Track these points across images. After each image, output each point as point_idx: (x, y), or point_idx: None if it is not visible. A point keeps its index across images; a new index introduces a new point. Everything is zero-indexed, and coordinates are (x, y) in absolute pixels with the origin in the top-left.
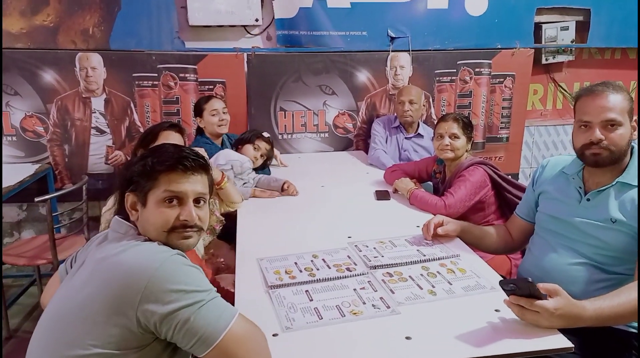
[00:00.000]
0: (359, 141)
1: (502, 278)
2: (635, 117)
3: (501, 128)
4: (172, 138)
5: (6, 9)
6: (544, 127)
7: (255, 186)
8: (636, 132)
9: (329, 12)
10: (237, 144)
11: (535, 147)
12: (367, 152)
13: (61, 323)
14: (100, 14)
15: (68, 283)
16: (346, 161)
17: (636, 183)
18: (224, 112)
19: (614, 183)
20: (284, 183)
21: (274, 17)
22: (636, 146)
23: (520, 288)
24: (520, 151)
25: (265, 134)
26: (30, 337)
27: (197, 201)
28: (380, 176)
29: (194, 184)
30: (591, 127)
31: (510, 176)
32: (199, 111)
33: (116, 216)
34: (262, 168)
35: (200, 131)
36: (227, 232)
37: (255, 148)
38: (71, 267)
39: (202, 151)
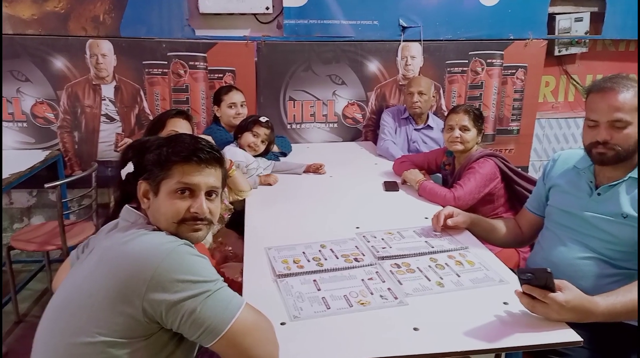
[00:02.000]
0: (368, 132)
1: (513, 270)
2: None
3: (512, 120)
4: (179, 125)
5: None
6: (555, 120)
7: (273, 172)
8: None
9: (340, 1)
10: (237, 134)
11: (545, 140)
12: (376, 143)
13: (68, 310)
14: (111, 1)
15: (76, 270)
16: (355, 152)
17: None
18: (242, 106)
19: (626, 178)
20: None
21: (283, 6)
22: None
23: (537, 278)
24: (530, 144)
25: (263, 119)
26: (39, 322)
27: (209, 194)
28: (389, 167)
29: (208, 177)
30: (598, 126)
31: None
32: (217, 100)
33: (126, 205)
34: (266, 153)
35: (216, 119)
36: (236, 221)
37: (254, 135)
38: (82, 252)
39: (209, 138)
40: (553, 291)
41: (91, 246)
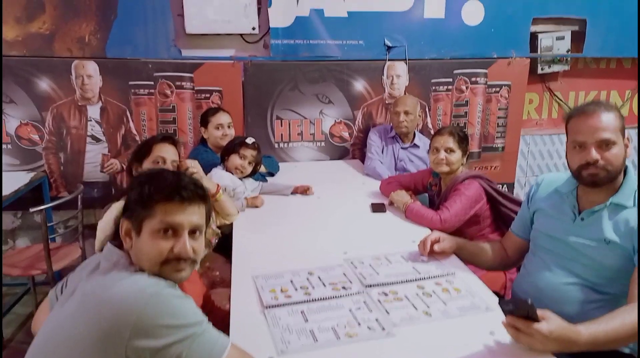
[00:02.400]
0: (355, 150)
1: (500, 298)
2: (627, 136)
3: (497, 138)
4: (165, 150)
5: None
6: (539, 136)
7: (260, 193)
8: (629, 150)
9: (326, 21)
10: (223, 156)
11: (530, 156)
12: (363, 161)
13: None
14: (97, 21)
15: (57, 314)
16: (342, 171)
17: (630, 204)
18: (228, 127)
19: (607, 203)
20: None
21: (269, 27)
22: (630, 166)
23: (518, 309)
24: (516, 161)
25: (249, 141)
26: (24, 348)
27: (192, 232)
28: (376, 186)
29: (191, 215)
30: (586, 148)
31: (505, 186)
32: (204, 121)
33: (109, 243)
34: (253, 173)
35: (203, 140)
36: (223, 244)
37: (241, 157)
38: (61, 293)
39: (195, 162)
40: (537, 321)
41: (70, 287)
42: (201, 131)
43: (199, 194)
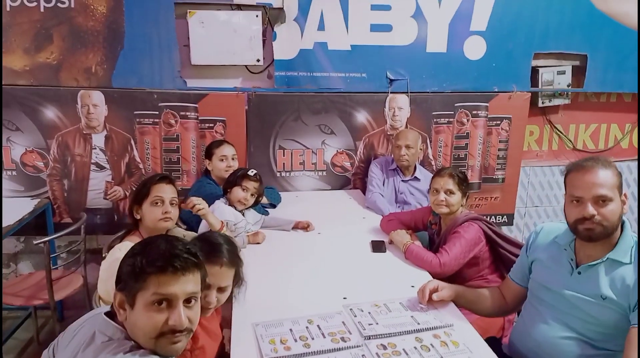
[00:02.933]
0: (356, 180)
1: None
2: (624, 192)
3: (497, 169)
4: (163, 189)
5: (10, 46)
6: (539, 168)
7: (262, 227)
8: (626, 206)
9: (329, 54)
10: (225, 188)
11: (530, 187)
12: (364, 191)
13: None
14: (103, 52)
15: None
16: (343, 202)
17: (627, 260)
18: (232, 159)
19: (604, 259)
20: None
21: (274, 58)
22: (627, 221)
23: None
24: (516, 192)
25: (251, 173)
26: None
27: (187, 300)
28: (376, 221)
29: (185, 284)
30: (583, 203)
31: (505, 216)
32: (209, 154)
33: (104, 316)
34: (255, 204)
35: (207, 172)
36: None
37: (244, 189)
38: (53, 355)
39: (200, 199)
40: None
41: (65, 352)
42: (205, 164)
43: (193, 262)
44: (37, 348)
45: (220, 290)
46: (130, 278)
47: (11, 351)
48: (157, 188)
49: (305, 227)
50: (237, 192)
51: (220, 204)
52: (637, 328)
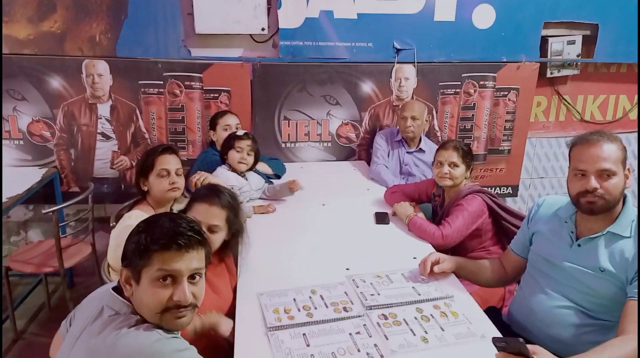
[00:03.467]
0: (361, 151)
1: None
2: (628, 166)
3: (503, 141)
4: (167, 161)
5: (13, 16)
6: (546, 139)
7: (267, 195)
8: (629, 181)
9: (335, 23)
10: (223, 156)
11: (536, 158)
12: (369, 162)
13: None
14: (107, 21)
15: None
16: (348, 173)
17: (627, 234)
18: (237, 128)
19: (604, 232)
20: (289, 183)
21: (279, 27)
22: (629, 195)
23: (510, 347)
24: (521, 163)
25: (240, 133)
26: (36, 340)
27: (192, 277)
28: (380, 193)
29: (189, 261)
30: (586, 176)
31: (510, 188)
32: (213, 124)
33: (111, 291)
34: (255, 162)
35: (212, 143)
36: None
37: (238, 150)
38: (70, 325)
39: (200, 174)
40: (528, 357)
41: (76, 326)
42: (210, 134)
43: (197, 240)
44: (49, 313)
45: (210, 230)
46: (136, 255)
47: (23, 316)
48: (161, 159)
49: (292, 185)
50: (233, 155)
51: (223, 170)
52: (633, 300)
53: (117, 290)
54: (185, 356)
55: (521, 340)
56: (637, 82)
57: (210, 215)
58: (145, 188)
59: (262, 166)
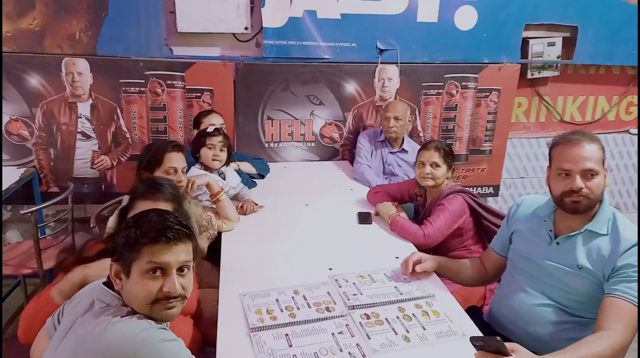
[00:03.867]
0: (345, 151)
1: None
2: (605, 167)
3: (485, 141)
4: (175, 159)
5: None
6: (526, 140)
7: (240, 197)
8: (606, 180)
9: (319, 23)
10: (195, 155)
11: (517, 158)
12: (352, 162)
13: None
14: (87, 18)
15: (55, 352)
16: (331, 173)
17: (603, 232)
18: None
19: (582, 230)
20: (243, 202)
21: (262, 26)
22: (606, 194)
23: (488, 345)
24: (502, 163)
25: (210, 129)
26: (16, 341)
27: (180, 269)
28: (363, 193)
29: (178, 254)
30: (571, 176)
31: (491, 188)
32: (197, 123)
33: (101, 285)
34: (228, 157)
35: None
36: (211, 250)
37: (209, 147)
38: (58, 322)
39: (195, 177)
40: (506, 355)
41: (65, 322)
42: (193, 133)
43: (185, 233)
44: None
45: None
46: (125, 248)
47: (2, 317)
48: (169, 157)
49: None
50: (205, 153)
51: (195, 170)
52: (610, 297)
53: (107, 285)
54: (172, 346)
55: (498, 338)
56: (637, 83)
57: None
58: None
59: (246, 166)
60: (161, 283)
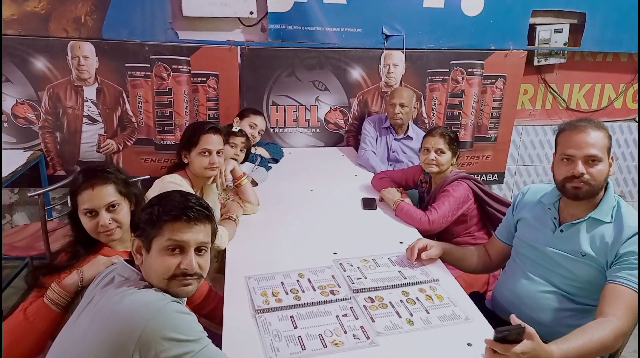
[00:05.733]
0: (349, 137)
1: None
2: (612, 155)
3: (490, 128)
4: (211, 141)
5: None
6: (532, 127)
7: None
8: (612, 168)
9: (324, 8)
10: None
11: (522, 146)
12: (357, 148)
13: None
14: (93, 2)
15: (72, 325)
16: (336, 159)
17: (607, 220)
18: (259, 133)
19: (586, 218)
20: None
21: (267, 11)
22: (610, 182)
23: (510, 334)
24: (507, 150)
25: (235, 129)
26: None
27: (198, 249)
28: (368, 179)
29: (197, 234)
30: (574, 161)
31: (496, 175)
32: (243, 115)
33: (122, 260)
34: (246, 158)
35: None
36: None
37: (232, 146)
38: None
39: (228, 163)
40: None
41: (86, 297)
42: (234, 121)
43: (205, 214)
44: None
45: (109, 209)
46: (148, 225)
47: (10, 298)
48: (205, 138)
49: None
50: (227, 150)
51: None
52: (612, 284)
53: (128, 262)
54: (185, 319)
55: (522, 325)
56: (637, 71)
57: (99, 197)
58: (186, 161)
59: (260, 151)
60: (179, 260)
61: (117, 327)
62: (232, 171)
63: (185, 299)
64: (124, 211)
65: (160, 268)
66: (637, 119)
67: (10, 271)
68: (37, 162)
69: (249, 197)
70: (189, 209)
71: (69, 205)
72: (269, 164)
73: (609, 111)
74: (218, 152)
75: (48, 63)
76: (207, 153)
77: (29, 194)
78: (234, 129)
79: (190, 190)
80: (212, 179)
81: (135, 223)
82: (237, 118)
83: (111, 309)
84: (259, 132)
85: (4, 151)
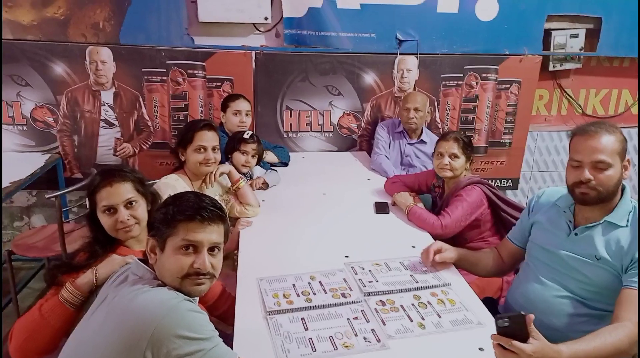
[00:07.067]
0: (362, 142)
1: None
2: (627, 158)
3: (504, 133)
4: (205, 138)
5: (17, 1)
6: (547, 133)
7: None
8: (628, 172)
9: (338, 13)
10: (227, 155)
11: (537, 152)
12: (370, 153)
13: None
14: (111, 8)
15: (87, 322)
16: (349, 164)
17: (623, 224)
18: (246, 115)
19: (601, 221)
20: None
21: (282, 16)
22: (627, 186)
23: (513, 323)
24: (522, 156)
25: (247, 136)
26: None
27: (211, 249)
28: (381, 183)
29: (210, 234)
30: (581, 167)
31: (510, 181)
32: (224, 106)
33: (136, 259)
34: (257, 164)
35: (221, 124)
36: None
37: (243, 153)
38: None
39: (222, 166)
40: (525, 337)
41: (103, 294)
42: (221, 117)
43: (218, 215)
44: None
45: (127, 206)
46: (163, 224)
47: (26, 299)
48: (199, 135)
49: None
50: (238, 157)
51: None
52: (629, 289)
53: (142, 261)
54: (197, 317)
55: (522, 312)
56: (638, 77)
57: (117, 194)
58: (183, 158)
59: (269, 156)
60: (193, 260)
61: (130, 324)
62: (228, 175)
63: (198, 298)
64: (142, 208)
65: (173, 267)
66: (638, 126)
67: (27, 272)
68: (55, 165)
69: (249, 199)
70: (203, 209)
71: (87, 206)
72: (275, 169)
73: (626, 117)
74: (213, 148)
75: (67, 68)
76: (202, 150)
77: (47, 197)
78: (244, 136)
79: (187, 189)
80: (200, 181)
81: (150, 222)
82: (222, 112)
83: (124, 307)
84: (246, 114)
85: (23, 154)
